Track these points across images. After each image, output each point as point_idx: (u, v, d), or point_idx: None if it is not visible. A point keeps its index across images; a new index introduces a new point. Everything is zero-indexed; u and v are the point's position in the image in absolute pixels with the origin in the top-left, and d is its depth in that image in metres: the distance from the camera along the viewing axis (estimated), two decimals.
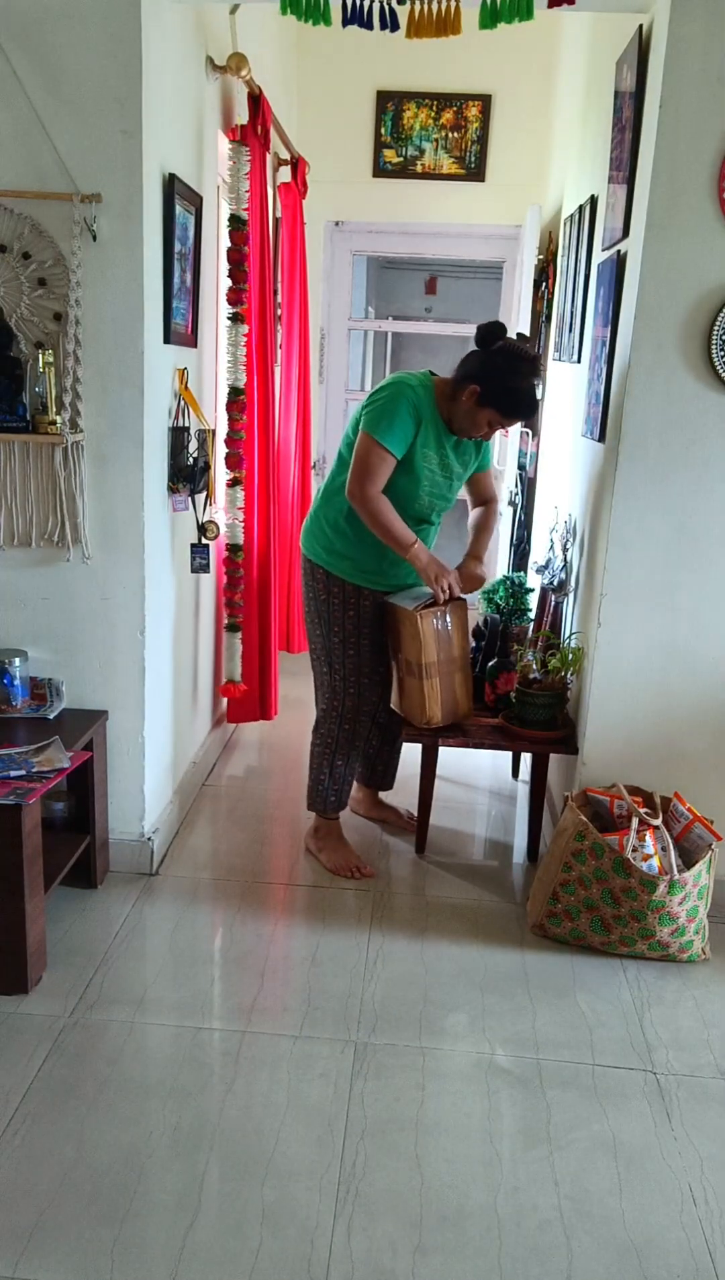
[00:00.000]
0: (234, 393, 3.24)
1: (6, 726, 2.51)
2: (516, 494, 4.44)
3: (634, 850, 2.41)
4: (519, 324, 4.26)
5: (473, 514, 2.94)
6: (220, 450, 3.27)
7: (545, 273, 4.24)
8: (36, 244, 2.43)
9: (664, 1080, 2.12)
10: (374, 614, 2.80)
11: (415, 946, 2.55)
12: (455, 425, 2.67)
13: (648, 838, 2.44)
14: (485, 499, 2.94)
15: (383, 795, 3.28)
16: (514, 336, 2.65)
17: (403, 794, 3.31)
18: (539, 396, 2.58)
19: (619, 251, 2.67)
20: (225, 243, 3.16)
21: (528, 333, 4.26)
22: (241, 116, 3.21)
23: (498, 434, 2.81)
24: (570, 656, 2.83)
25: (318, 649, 2.86)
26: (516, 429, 4.31)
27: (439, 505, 2.79)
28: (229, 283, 3.16)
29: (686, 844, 2.53)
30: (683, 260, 2.38)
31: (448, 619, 2.73)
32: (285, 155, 3.90)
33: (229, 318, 3.19)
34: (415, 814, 3.08)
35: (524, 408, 2.62)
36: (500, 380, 2.56)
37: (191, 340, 2.91)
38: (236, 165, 3.07)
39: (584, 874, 2.47)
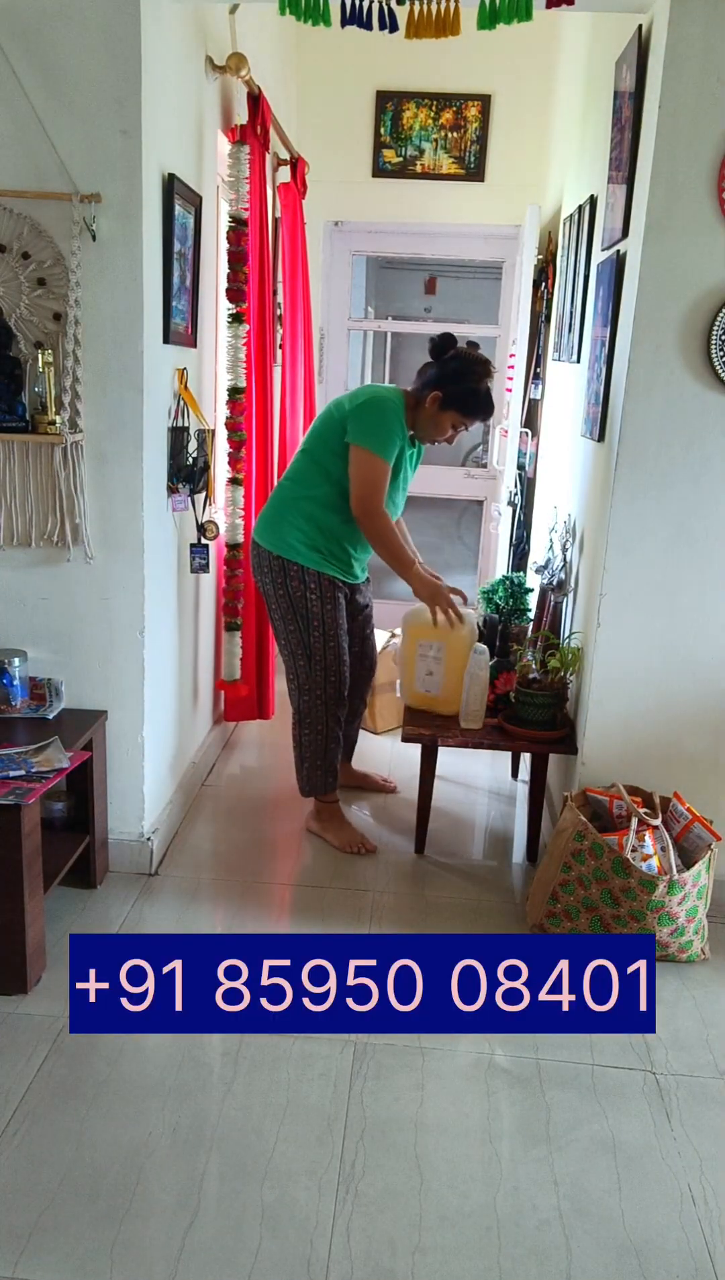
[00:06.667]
0: (234, 392, 3.24)
1: (6, 726, 2.51)
2: (516, 494, 4.44)
3: (633, 850, 2.41)
4: (519, 324, 4.26)
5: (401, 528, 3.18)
6: (220, 450, 3.27)
7: (545, 273, 4.24)
8: (36, 244, 2.43)
9: (663, 1080, 2.12)
10: (346, 605, 2.98)
11: None
12: (420, 433, 2.93)
13: (647, 838, 2.44)
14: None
15: (365, 772, 3.47)
16: (464, 345, 2.91)
17: (402, 794, 3.31)
18: (493, 398, 2.91)
19: (618, 251, 2.67)
20: (225, 243, 3.16)
21: (528, 332, 4.27)
22: (241, 116, 3.21)
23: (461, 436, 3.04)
24: (569, 656, 2.84)
25: (294, 644, 2.93)
26: (515, 430, 4.31)
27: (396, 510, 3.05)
28: (228, 283, 3.16)
29: (686, 844, 2.53)
30: (682, 260, 2.39)
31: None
32: (285, 155, 3.90)
33: (229, 317, 3.19)
34: (391, 779, 3.42)
35: (484, 407, 2.88)
36: (460, 384, 2.82)
37: (191, 340, 2.91)
38: (236, 165, 3.07)
39: (583, 874, 2.47)
